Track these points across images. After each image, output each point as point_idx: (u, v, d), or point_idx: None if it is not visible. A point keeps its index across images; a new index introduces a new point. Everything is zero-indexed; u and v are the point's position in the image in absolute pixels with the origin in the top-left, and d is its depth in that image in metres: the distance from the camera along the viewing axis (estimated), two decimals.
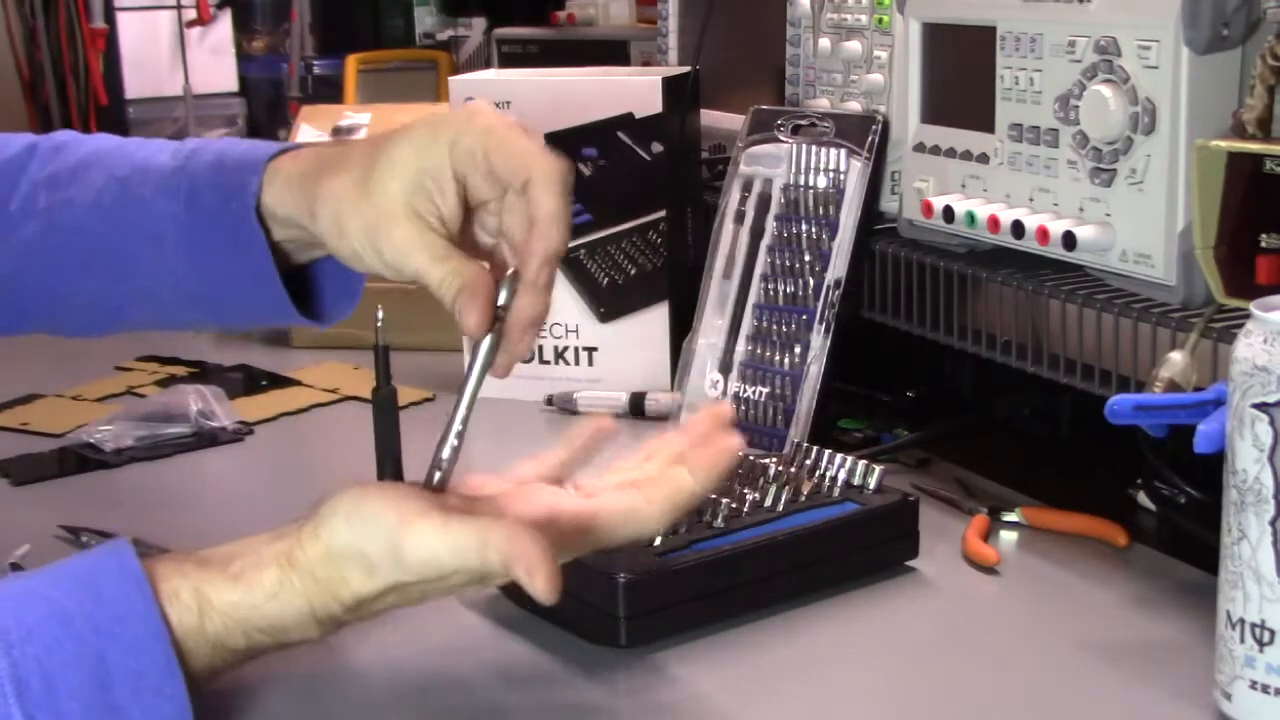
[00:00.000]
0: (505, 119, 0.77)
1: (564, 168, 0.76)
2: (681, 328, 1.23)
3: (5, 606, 0.65)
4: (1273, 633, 0.70)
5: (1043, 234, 0.95)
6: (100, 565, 0.67)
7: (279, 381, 1.36)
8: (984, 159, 1.02)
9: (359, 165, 0.79)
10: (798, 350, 1.13)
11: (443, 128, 0.77)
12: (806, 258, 1.14)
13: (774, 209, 1.17)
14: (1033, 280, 1.00)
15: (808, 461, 0.96)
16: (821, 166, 1.15)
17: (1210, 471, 0.75)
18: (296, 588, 0.69)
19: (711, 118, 1.35)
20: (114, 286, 0.89)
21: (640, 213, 1.27)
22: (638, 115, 1.25)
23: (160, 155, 0.90)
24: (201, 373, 1.39)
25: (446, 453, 0.75)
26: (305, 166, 0.83)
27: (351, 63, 2.24)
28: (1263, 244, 0.83)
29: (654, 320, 1.27)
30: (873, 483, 0.94)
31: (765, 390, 1.14)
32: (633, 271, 1.27)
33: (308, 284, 0.90)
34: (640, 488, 0.75)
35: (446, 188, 0.77)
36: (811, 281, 1.13)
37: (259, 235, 0.84)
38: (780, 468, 0.95)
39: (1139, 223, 0.91)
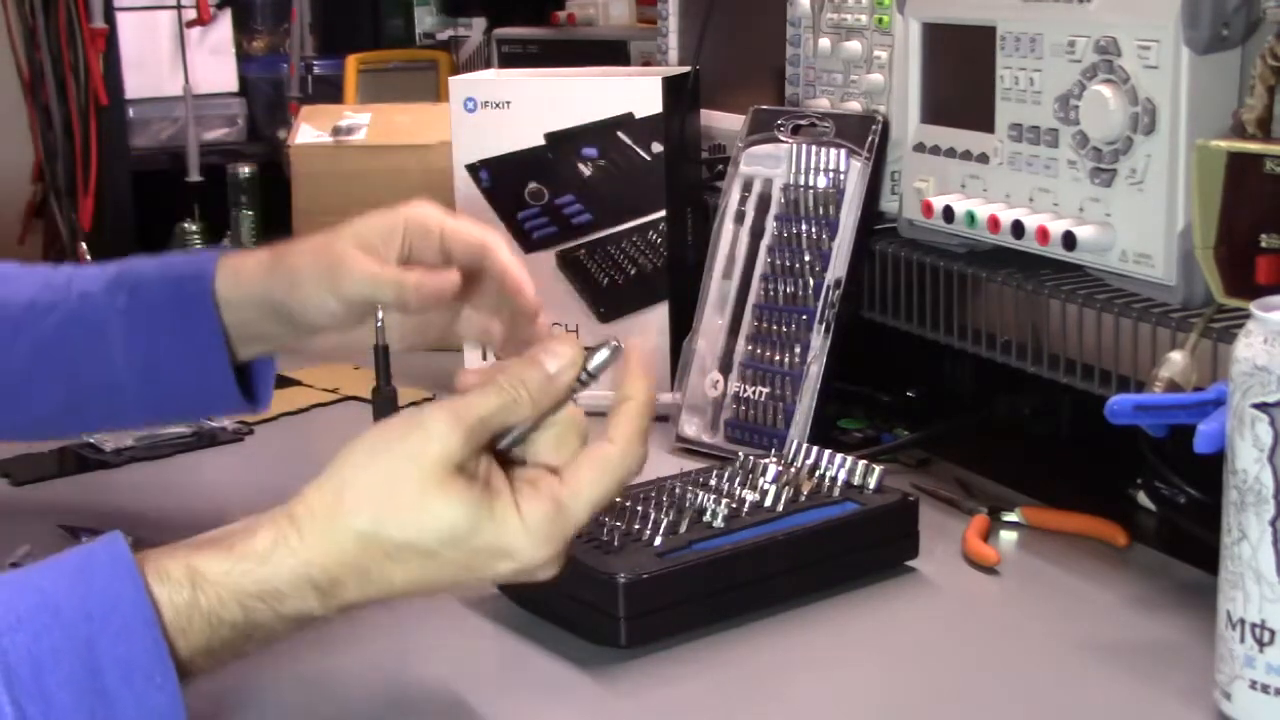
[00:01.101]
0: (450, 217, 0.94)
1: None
2: (681, 328, 1.23)
3: None
4: (1273, 633, 0.70)
5: (1043, 234, 0.95)
6: (91, 554, 0.67)
7: (279, 381, 1.35)
8: (984, 159, 1.02)
9: (322, 236, 0.94)
10: (798, 350, 1.13)
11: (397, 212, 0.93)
12: (806, 258, 1.14)
13: (774, 209, 1.17)
14: (1033, 280, 1.00)
15: (808, 461, 0.96)
16: (821, 166, 1.15)
17: (1210, 471, 0.75)
18: (291, 544, 0.68)
19: (711, 118, 1.35)
20: (56, 387, 0.97)
21: (640, 213, 1.27)
22: (638, 115, 1.25)
23: (90, 269, 1.00)
24: None
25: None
26: (263, 253, 0.96)
27: (351, 63, 2.23)
28: (1263, 244, 0.83)
29: (654, 320, 1.27)
30: (873, 483, 0.94)
31: (765, 390, 1.14)
32: (633, 271, 1.27)
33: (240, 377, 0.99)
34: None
35: (394, 239, 0.92)
36: (811, 281, 1.13)
37: (211, 314, 0.94)
38: (780, 468, 0.95)
39: (1139, 223, 0.91)
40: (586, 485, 0.71)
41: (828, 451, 0.96)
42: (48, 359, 0.96)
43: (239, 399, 0.99)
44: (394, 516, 0.69)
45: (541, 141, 1.27)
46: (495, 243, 0.95)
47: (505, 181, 1.29)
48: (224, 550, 0.68)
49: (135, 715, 0.64)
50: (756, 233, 1.17)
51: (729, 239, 1.19)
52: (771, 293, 1.15)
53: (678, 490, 0.93)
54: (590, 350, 0.72)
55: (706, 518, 0.89)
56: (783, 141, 1.17)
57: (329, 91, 2.30)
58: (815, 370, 1.12)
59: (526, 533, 0.69)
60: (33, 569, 0.67)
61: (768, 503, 0.91)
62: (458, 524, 0.68)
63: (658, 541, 0.86)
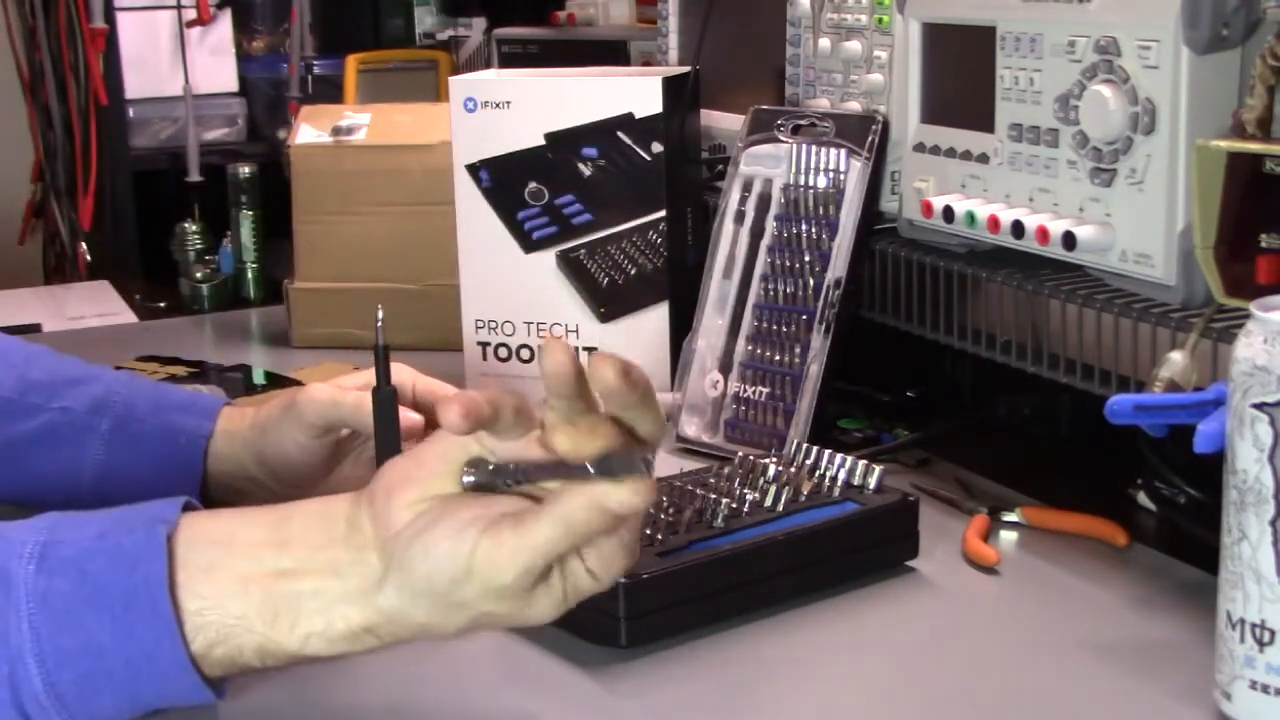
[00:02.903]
0: None
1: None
2: (681, 328, 1.23)
3: (44, 629, 0.67)
4: (1273, 633, 0.70)
5: (1043, 234, 0.95)
6: (134, 598, 0.68)
7: (279, 381, 1.36)
8: (984, 159, 1.02)
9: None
10: (798, 350, 1.13)
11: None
12: (806, 258, 1.14)
13: (774, 209, 1.17)
14: (1033, 280, 1.00)
15: (808, 461, 0.96)
16: (821, 166, 1.15)
17: (1210, 471, 0.75)
18: (369, 646, 0.70)
19: (711, 118, 1.35)
20: (11, 484, 1.00)
21: (640, 213, 1.27)
22: (638, 115, 1.25)
23: (70, 371, 1.03)
24: (201, 373, 1.39)
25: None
26: (250, 410, 1.01)
27: (351, 63, 2.23)
28: (1263, 244, 0.83)
29: (654, 320, 1.27)
30: (873, 483, 0.94)
31: (765, 390, 1.14)
32: (633, 271, 1.27)
33: None
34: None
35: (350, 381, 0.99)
36: (811, 281, 1.13)
37: (198, 468, 0.99)
38: (780, 468, 0.95)
39: (1139, 223, 0.91)
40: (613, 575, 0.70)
41: (828, 451, 0.96)
42: (13, 461, 1.00)
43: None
44: (483, 630, 0.71)
45: (541, 141, 1.27)
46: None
47: (505, 181, 1.29)
48: (299, 639, 0.69)
49: (170, 709, 0.70)
50: (756, 233, 1.17)
51: (729, 239, 1.19)
52: (771, 293, 1.15)
53: (677, 490, 0.93)
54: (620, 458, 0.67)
55: (706, 518, 0.89)
56: (783, 141, 1.17)
57: (329, 91, 2.30)
58: (815, 370, 1.12)
59: (611, 580, 0.70)
60: (79, 589, 0.68)
61: (768, 503, 0.91)
62: (551, 618, 0.70)
63: (657, 541, 0.86)
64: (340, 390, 0.97)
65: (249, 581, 0.69)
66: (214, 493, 1.01)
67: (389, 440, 0.93)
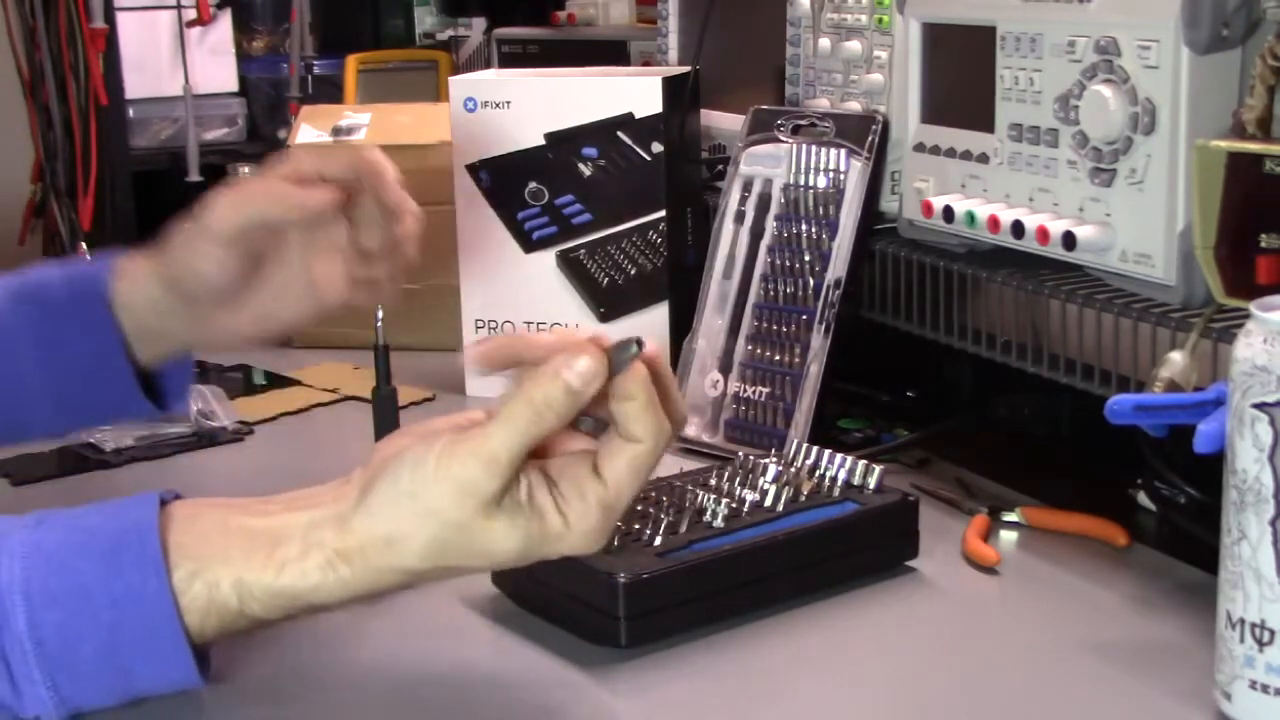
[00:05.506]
0: None
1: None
2: (681, 328, 1.23)
3: (35, 570, 0.69)
4: (1273, 633, 0.70)
5: (1043, 234, 0.95)
6: (124, 539, 0.70)
7: (279, 381, 1.36)
8: (984, 159, 1.02)
9: None
10: (798, 350, 1.13)
11: None
12: (806, 258, 1.14)
13: (774, 209, 1.17)
14: (1033, 280, 1.00)
15: (808, 461, 0.96)
16: (821, 166, 1.15)
17: (1210, 471, 0.75)
18: (343, 577, 0.71)
19: (711, 118, 1.35)
20: None
21: (640, 213, 1.27)
22: (638, 115, 1.25)
23: None
24: (201, 372, 1.39)
25: None
26: (158, 254, 0.98)
27: (351, 63, 2.23)
28: (1263, 244, 0.83)
29: (654, 320, 1.27)
30: (873, 483, 0.94)
31: (765, 390, 1.14)
32: (633, 271, 1.27)
33: (148, 382, 1.00)
34: None
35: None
36: (811, 281, 1.13)
37: (107, 320, 0.97)
38: (780, 468, 0.95)
39: (1139, 223, 0.91)
40: (627, 487, 0.71)
41: (828, 451, 0.96)
42: None
43: (146, 404, 1.00)
44: (448, 559, 0.71)
45: (541, 141, 1.27)
46: (375, 161, 0.96)
47: (505, 181, 1.29)
48: (275, 570, 0.71)
49: (151, 686, 0.71)
50: (756, 233, 1.17)
51: (729, 239, 1.19)
52: (771, 293, 1.15)
53: (678, 490, 0.93)
54: (613, 348, 0.72)
55: (706, 518, 0.89)
56: (783, 141, 1.17)
57: (329, 91, 2.30)
58: (815, 370, 1.12)
59: (580, 539, 0.71)
60: (72, 537, 0.71)
61: (768, 503, 0.91)
62: (511, 554, 0.71)
63: (658, 541, 0.86)
64: (242, 191, 0.95)
65: (233, 526, 0.72)
66: (137, 348, 0.99)
67: None
